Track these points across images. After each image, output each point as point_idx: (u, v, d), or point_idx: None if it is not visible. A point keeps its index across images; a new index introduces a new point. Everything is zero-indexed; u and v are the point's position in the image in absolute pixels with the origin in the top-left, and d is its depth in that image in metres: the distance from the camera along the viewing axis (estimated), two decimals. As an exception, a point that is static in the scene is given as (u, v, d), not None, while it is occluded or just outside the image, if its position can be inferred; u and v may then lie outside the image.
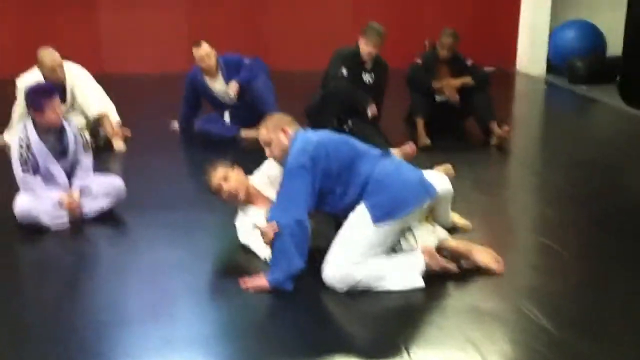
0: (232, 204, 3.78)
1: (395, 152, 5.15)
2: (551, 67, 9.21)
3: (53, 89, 4.09)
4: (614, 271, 3.54)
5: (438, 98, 5.96)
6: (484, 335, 2.91)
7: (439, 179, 3.62)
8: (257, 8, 9.01)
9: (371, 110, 5.63)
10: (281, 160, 3.44)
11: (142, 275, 3.53)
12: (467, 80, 5.88)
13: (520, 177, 5.36)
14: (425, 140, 5.62)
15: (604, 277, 3.48)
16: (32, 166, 4.03)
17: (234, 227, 3.82)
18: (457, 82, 5.88)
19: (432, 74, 5.97)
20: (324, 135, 3.48)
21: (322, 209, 3.37)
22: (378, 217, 3.25)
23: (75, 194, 4.09)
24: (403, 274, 3.27)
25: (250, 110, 5.82)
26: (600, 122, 7.37)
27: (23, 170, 4.02)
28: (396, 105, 6.22)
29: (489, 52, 8.86)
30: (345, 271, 3.20)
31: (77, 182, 4.14)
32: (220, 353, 2.87)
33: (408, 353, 2.79)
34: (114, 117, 5.70)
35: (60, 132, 4.11)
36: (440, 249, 3.42)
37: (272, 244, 3.22)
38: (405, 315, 3.16)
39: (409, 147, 5.16)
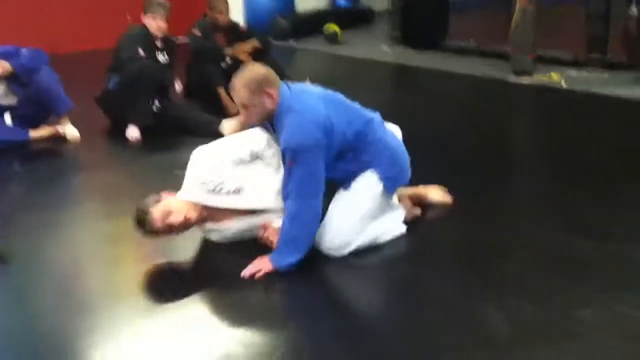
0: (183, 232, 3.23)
1: (232, 121, 5.05)
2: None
3: None
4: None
5: (224, 65, 5.86)
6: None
7: (395, 129, 3.54)
8: None
9: (178, 86, 5.40)
10: (255, 124, 3.19)
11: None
12: (256, 43, 5.92)
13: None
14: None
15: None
16: None
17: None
18: (248, 46, 5.88)
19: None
20: (327, 97, 3.15)
21: None
22: (391, 188, 3.25)
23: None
24: (391, 228, 3.34)
25: (35, 108, 5.10)
26: (320, 64, 8.13)
27: None
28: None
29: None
30: (346, 240, 3.14)
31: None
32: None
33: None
34: None
35: None
36: (400, 197, 3.54)
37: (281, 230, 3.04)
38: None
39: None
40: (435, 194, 3.67)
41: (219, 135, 5.01)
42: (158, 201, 3.14)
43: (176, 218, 3.08)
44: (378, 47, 8.23)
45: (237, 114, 5.32)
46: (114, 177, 4.58)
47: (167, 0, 5.33)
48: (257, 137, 3.22)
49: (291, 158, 2.98)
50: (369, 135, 3.19)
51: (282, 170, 3.13)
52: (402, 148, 3.36)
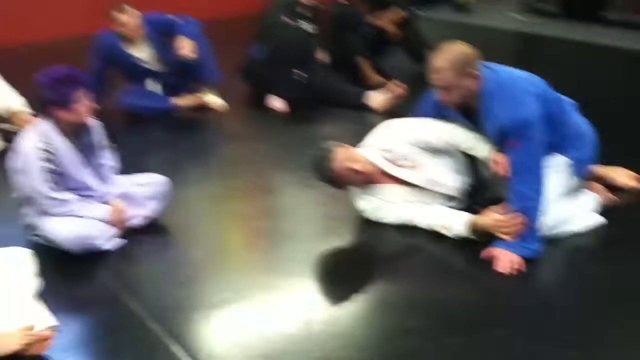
0: (356, 187, 3.23)
1: (380, 95, 4.87)
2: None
3: (80, 74, 3.10)
4: None
5: (369, 35, 5.64)
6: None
7: None
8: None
9: (323, 56, 5.27)
10: (455, 104, 3.01)
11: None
12: (401, 13, 5.68)
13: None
14: (379, 79, 5.34)
15: None
16: (56, 179, 3.09)
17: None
18: (395, 16, 5.65)
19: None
20: (526, 74, 3.02)
21: None
22: (580, 172, 3.12)
23: (120, 204, 3.23)
24: (584, 214, 3.13)
25: (183, 76, 5.03)
26: (448, 34, 7.32)
27: (50, 188, 3.06)
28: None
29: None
30: None
31: (113, 188, 3.27)
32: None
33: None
34: (26, 110, 4.58)
35: (82, 131, 3.20)
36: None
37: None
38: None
39: (396, 86, 4.85)
40: (623, 177, 3.43)
41: (366, 108, 4.86)
42: (344, 147, 3.13)
43: (358, 165, 3.05)
44: (511, 16, 7.83)
45: (378, 85, 5.15)
46: (263, 148, 4.47)
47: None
48: (455, 131, 3.14)
49: (516, 136, 2.83)
50: (560, 114, 3.05)
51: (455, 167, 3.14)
52: (590, 130, 3.20)
